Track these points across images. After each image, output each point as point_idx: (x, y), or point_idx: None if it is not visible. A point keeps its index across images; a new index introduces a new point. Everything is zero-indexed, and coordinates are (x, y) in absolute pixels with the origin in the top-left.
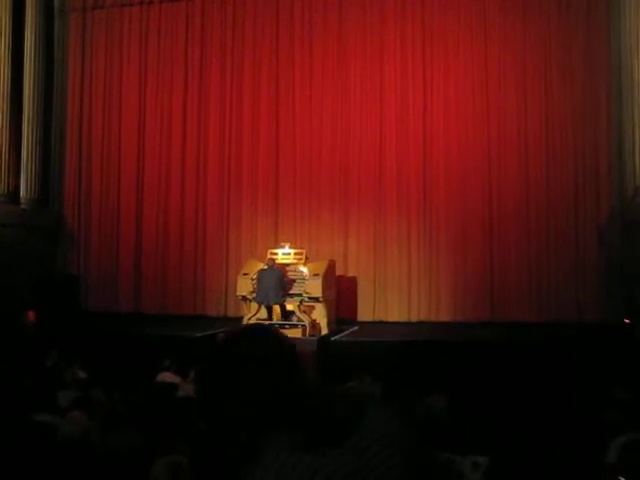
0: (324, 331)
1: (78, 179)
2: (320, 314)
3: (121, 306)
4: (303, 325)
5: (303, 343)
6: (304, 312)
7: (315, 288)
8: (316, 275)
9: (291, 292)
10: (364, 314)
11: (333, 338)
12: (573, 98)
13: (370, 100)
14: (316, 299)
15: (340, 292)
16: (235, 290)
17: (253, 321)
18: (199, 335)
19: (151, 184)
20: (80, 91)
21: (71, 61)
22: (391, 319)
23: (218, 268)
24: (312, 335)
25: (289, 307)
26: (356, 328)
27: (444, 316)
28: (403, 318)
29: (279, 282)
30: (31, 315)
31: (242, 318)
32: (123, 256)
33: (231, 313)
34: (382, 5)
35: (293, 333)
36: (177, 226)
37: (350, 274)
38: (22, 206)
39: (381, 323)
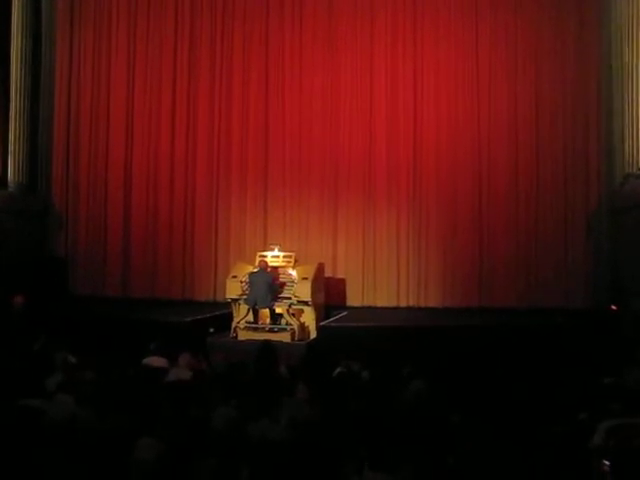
0: (313, 335)
1: (66, 163)
2: (309, 318)
3: (108, 290)
4: (292, 329)
5: (291, 347)
6: (293, 315)
7: (304, 292)
8: (305, 279)
9: (280, 295)
10: (353, 299)
11: (321, 323)
12: (564, 86)
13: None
14: (305, 303)
15: (330, 279)
16: (225, 275)
17: (243, 324)
18: (188, 320)
19: (139, 167)
20: (68, 72)
21: (59, 41)
22: (380, 304)
23: (207, 252)
24: (301, 339)
25: (278, 310)
26: (345, 313)
27: (433, 302)
28: (392, 304)
29: (268, 287)
30: (20, 299)
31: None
32: (111, 240)
33: (220, 298)
34: None
35: (282, 337)
36: (166, 209)
37: (340, 259)
38: (10, 190)
39: (370, 308)
